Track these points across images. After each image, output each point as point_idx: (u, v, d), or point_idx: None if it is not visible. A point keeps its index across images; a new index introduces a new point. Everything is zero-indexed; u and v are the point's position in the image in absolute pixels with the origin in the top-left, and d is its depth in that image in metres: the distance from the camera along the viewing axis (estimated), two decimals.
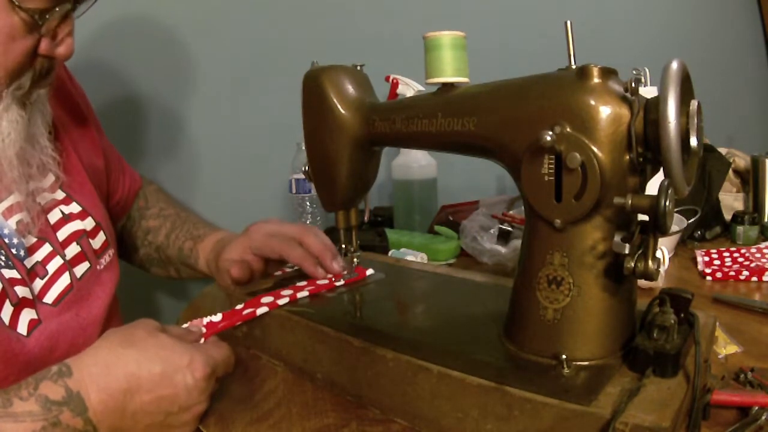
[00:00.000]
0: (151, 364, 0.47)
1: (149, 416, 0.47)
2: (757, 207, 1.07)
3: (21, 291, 0.57)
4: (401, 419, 0.49)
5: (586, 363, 0.45)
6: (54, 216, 0.64)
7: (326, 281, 0.68)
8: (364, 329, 0.56)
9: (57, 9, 0.55)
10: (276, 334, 0.61)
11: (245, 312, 0.61)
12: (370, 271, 0.72)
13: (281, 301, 0.62)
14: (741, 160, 1.12)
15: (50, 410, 0.44)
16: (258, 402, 0.54)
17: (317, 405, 0.53)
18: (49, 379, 0.46)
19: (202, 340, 0.55)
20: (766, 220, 1.05)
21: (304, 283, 0.68)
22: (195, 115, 1.11)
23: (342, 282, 0.68)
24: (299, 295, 0.63)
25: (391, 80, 1.08)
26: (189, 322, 0.58)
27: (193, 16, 1.07)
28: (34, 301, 0.59)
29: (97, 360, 0.47)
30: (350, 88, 0.62)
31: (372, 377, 0.51)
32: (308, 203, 1.04)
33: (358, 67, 0.65)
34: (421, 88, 1.06)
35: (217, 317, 0.59)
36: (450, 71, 0.53)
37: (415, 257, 0.88)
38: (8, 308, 0.55)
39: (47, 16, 0.54)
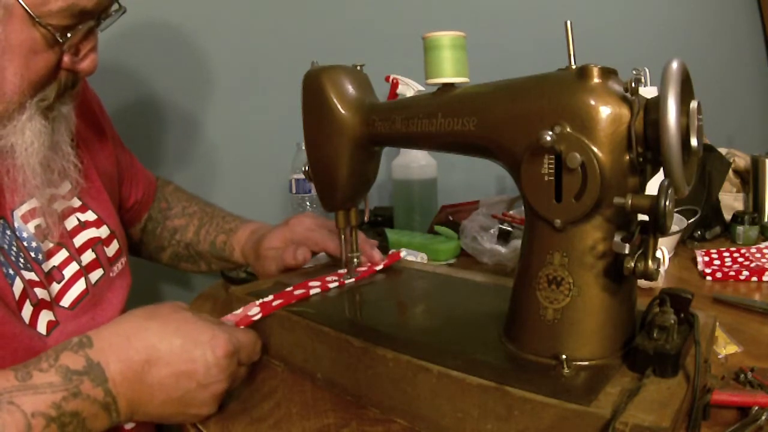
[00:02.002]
0: (172, 337, 0.47)
1: (167, 390, 0.47)
2: (757, 207, 1.07)
3: (39, 293, 0.57)
4: (401, 419, 0.49)
5: (586, 363, 0.45)
6: (71, 223, 0.65)
7: (365, 269, 0.72)
8: (364, 329, 0.56)
9: (80, 26, 0.54)
10: (276, 334, 0.61)
11: (297, 292, 0.63)
12: (403, 252, 0.78)
13: (331, 285, 0.66)
14: (741, 160, 1.12)
15: (71, 380, 0.44)
16: (258, 402, 0.54)
17: (317, 405, 0.53)
18: (70, 350, 0.46)
19: (259, 315, 0.58)
20: (766, 220, 1.05)
21: (344, 270, 0.71)
22: (194, 116, 1.11)
23: (380, 267, 0.72)
24: (346, 281, 0.68)
25: (391, 80, 1.08)
26: (241, 308, 0.59)
27: (193, 18, 1.07)
28: (52, 304, 0.59)
29: (118, 331, 0.48)
30: (350, 88, 0.62)
31: (372, 377, 0.51)
32: (308, 203, 1.04)
33: (358, 67, 0.65)
34: (421, 88, 1.06)
35: (269, 297, 0.62)
36: (450, 71, 0.53)
37: (415, 257, 0.88)
38: (28, 308, 0.56)
39: (69, 34, 0.54)
